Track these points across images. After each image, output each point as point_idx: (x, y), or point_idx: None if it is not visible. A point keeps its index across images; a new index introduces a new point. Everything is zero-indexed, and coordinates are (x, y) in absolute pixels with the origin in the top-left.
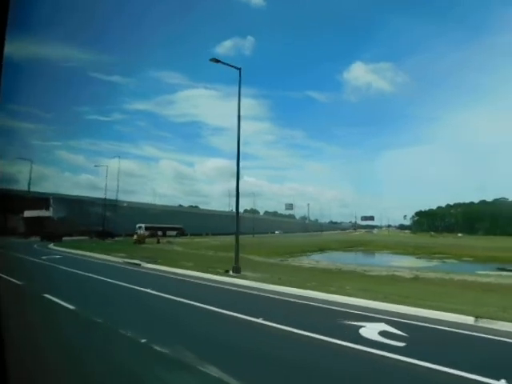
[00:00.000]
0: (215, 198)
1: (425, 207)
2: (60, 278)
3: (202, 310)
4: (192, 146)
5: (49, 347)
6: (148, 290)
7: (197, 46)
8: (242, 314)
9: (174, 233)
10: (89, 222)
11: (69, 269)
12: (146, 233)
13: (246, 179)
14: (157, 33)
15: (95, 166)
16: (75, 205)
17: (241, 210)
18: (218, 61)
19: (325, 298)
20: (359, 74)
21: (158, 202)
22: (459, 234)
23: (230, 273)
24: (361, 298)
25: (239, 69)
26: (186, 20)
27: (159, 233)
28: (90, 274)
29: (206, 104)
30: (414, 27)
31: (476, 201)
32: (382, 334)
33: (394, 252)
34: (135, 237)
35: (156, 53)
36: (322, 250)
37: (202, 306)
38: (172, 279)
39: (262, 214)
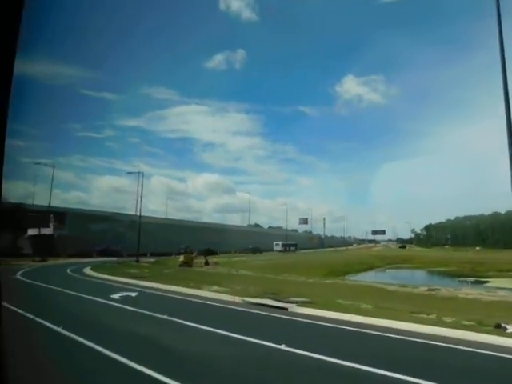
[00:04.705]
0: (206, 213)
1: (422, 221)
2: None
3: None
4: (184, 162)
5: None
6: None
7: (187, 60)
8: None
9: (283, 248)
10: (104, 240)
11: (220, 332)
12: (282, 249)
13: (238, 195)
14: (146, 48)
15: (128, 172)
16: (84, 221)
17: (237, 224)
18: None
19: None
20: (350, 86)
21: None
22: (477, 248)
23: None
24: None
25: None
26: (175, 34)
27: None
28: (297, 351)
29: (197, 120)
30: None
31: (486, 213)
32: None
33: (449, 270)
34: (181, 258)
35: (146, 68)
36: (370, 267)
37: None
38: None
39: (266, 228)
